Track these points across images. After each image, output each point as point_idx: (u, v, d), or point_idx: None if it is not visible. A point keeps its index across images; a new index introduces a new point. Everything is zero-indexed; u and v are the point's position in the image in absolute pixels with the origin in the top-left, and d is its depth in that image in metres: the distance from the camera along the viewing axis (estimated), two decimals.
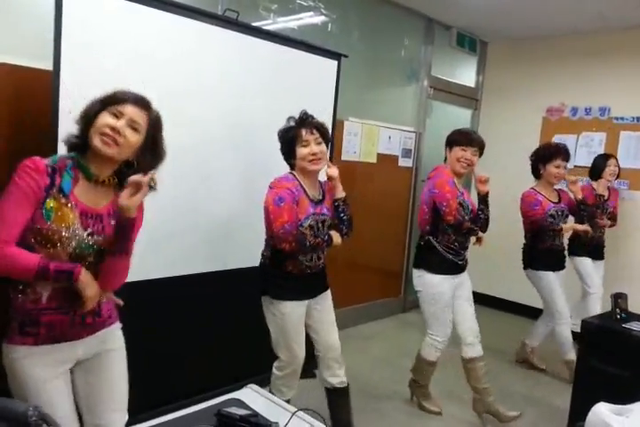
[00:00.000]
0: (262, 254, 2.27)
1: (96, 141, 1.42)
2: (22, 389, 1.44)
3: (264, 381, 2.43)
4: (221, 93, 2.58)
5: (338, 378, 2.36)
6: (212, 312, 2.66)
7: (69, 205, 1.42)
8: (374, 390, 3.09)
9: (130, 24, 2.19)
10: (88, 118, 1.45)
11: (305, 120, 2.18)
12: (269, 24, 3.30)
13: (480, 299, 4.68)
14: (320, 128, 2.19)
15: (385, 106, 4.32)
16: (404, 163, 4.52)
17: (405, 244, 4.74)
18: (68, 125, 1.96)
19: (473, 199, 2.81)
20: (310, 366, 2.46)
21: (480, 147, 2.66)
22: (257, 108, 2.71)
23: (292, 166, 2.24)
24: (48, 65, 2.01)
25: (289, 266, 2.18)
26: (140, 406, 2.13)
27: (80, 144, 1.48)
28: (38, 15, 2.23)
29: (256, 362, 2.83)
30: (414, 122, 4.59)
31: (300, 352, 2.25)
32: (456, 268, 2.70)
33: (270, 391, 2.26)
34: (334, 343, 2.34)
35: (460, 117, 5.17)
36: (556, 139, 4.51)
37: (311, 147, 2.14)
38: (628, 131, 4.26)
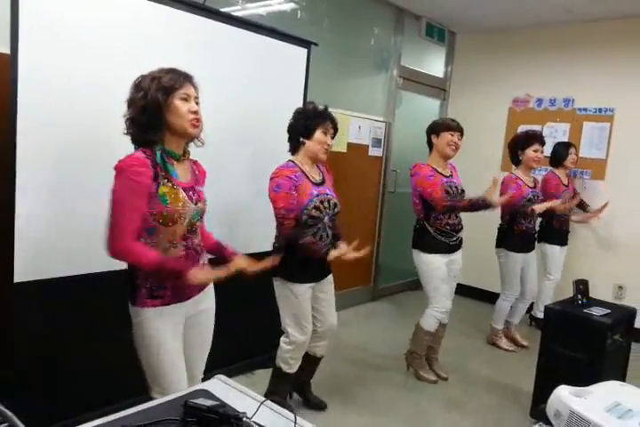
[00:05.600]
0: (275, 237, 2.39)
1: (190, 130, 1.63)
2: (150, 345, 1.65)
3: (232, 371, 2.49)
4: None
5: (323, 350, 2.63)
6: None
7: (175, 187, 1.63)
8: (345, 374, 3.13)
9: (91, 7, 2.11)
10: (157, 109, 1.58)
11: (331, 117, 2.41)
12: (237, 10, 3.23)
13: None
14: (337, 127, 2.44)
15: (355, 95, 4.31)
16: (375, 152, 4.53)
17: (375, 233, 4.77)
18: (27, 111, 1.92)
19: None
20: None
21: (462, 132, 2.97)
22: (224, 97, 2.65)
23: (296, 147, 2.37)
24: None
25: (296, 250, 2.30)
26: (104, 399, 2.10)
27: (157, 139, 1.61)
28: None
29: (224, 353, 2.82)
30: (384, 112, 4.60)
31: (309, 328, 2.43)
32: (448, 248, 2.99)
33: (276, 364, 2.48)
34: (334, 322, 2.60)
35: (428, 108, 5.21)
36: (521, 129, 4.59)
37: (328, 138, 2.37)
38: (591, 122, 4.36)
